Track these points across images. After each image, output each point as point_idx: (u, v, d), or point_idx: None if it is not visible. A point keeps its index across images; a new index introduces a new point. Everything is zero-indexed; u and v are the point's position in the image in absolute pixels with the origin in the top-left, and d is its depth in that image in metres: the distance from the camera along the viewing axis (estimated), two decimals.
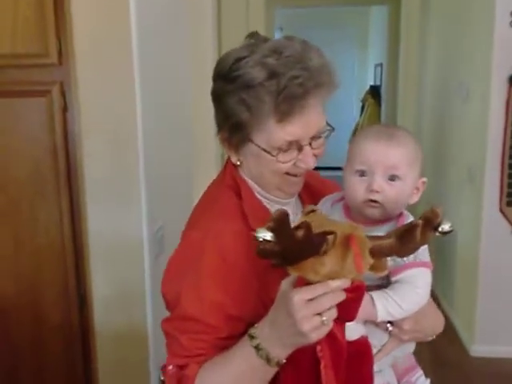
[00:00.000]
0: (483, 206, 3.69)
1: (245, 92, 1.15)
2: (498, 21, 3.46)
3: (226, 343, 1.17)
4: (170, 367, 1.20)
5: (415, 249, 1.03)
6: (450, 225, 1.00)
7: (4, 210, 2.28)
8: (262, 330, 1.09)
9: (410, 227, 0.99)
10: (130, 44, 2.14)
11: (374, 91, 8.20)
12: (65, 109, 2.19)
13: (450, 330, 4.00)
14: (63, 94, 2.17)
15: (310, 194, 1.39)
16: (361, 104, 8.64)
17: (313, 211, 1.08)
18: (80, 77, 2.17)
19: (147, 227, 2.31)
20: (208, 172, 2.64)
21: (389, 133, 1.20)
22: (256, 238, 0.89)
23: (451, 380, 3.45)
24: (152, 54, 2.37)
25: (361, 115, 8.46)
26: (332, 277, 0.98)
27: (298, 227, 0.93)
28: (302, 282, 1.01)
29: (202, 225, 1.24)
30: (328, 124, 1.24)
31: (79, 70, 2.16)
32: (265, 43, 1.18)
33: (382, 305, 1.11)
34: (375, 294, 1.12)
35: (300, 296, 0.99)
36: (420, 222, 0.99)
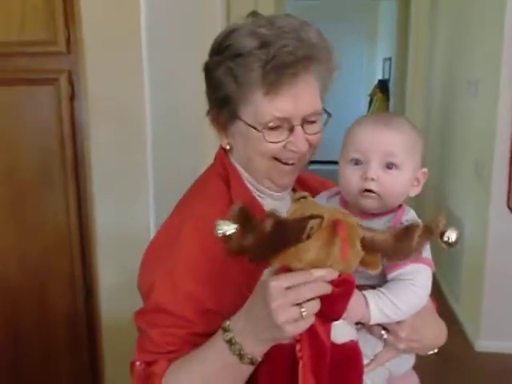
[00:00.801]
0: (490, 202, 3.67)
1: (233, 61, 1.09)
2: (508, 15, 3.43)
3: (202, 340, 1.06)
4: (138, 363, 1.12)
5: (409, 252, 0.95)
6: (456, 233, 0.94)
7: (11, 199, 2.28)
8: (237, 323, 0.99)
9: (409, 227, 0.94)
10: (138, 33, 2.13)
11: (383, 85, 8.16)
12: (72, 97, 2.19)
13: (455, 325, 3.98)
14: (71, 83, 2.17)
15: (307, 191, 1.33)
16: (369, 98, 8.60)
17: (303, 197, 1.01)
18: (88, 65, 2.16)
19: (154, 217, 2.30)
20: None
21: (385, 119, 1.13)
22: (218, 234, 0.83)
23: (456, 375, 3.44)
24: (161, 43, 2.36)
25: (369, 109, 8.42)
26: (317, 266, 0.89)
27: (264, 218, 0.86)
28: (285, 270, 0.92)
29: (183, 210, 1.19)
30: (325, 110, 1.17)
31: (87, 58, 2.16)
32: (262, 17, 1.14)
33: (376, 304, 1.02)
34: (368, 293, 1.03)
35: (277, 283, 0.90)
36: (420, 224, 0.94)
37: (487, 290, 3.76)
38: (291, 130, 1.12)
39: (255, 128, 1.11)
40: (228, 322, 1.00)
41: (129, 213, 2.28)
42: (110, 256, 2.32)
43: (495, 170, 3.62)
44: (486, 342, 3.76)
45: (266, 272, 0.96)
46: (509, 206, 3.63)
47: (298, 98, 1.10)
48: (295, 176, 1.23)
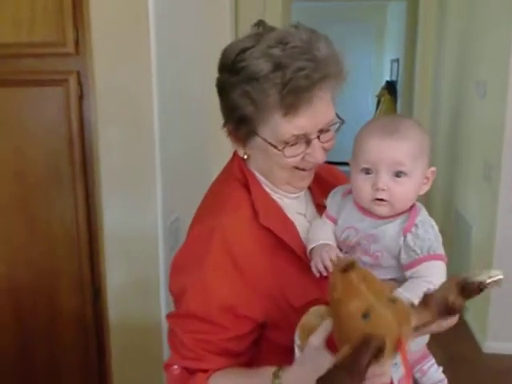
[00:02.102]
0: (498, 203, 3.66)
1: (249, 85, 1.10)
2: None
3: (233, 344, 1.14)
4: (175, 367, 1.16)
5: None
6: (498, 273, 0.95)
7: (20, 199, 2.29)
8: (288, 376, 1.04)
9: (451, 307, 0.95)
10: (147, 34, 2.13)
11: (390, 87, 8.16)
12: (81, 98, 2.19)
13: (462, 327, 3.97)
14: (80, 84, 2.18)
15: (321, 186, 1.35)
16: (376, 99, 8.59)
17: (350, 267, 0.96)
18: (97, 66, 2.17)
19: (162, 218, 2.30)
20: (225, 163, 2.63)
21: (391, 127, 1.15)
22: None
23: (464, 376, 3.43)
24: (170, 44, 2.37)
25: (376, 110, 8.41)
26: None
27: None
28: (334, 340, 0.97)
29: (210, 219, 1.20)
30: (338, 116, 1.19)
31: (96, 59, 2.16)
32: (271, 33, 1.13)
33: None
34: None
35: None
36: (451, 300, 0.94)
37: (494, 291, 3.73)
38: (308, 142, 1.15)
39: (275, 147, 1.15)
40: (280, 372, 1.05)
41: (137, 213, 2.28)
42: (119, 256, 2.33)
43: (503, 171, 3.61)
44: (494, 343, 3.75)
45: (315, 339, 0.99)
46: None
47: (315, 115, 1.12)
48: (312, 177, 1.27)
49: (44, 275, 2.35)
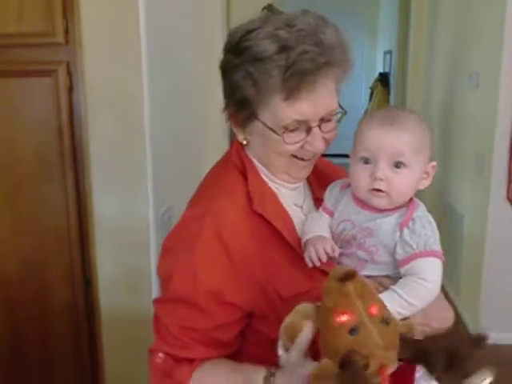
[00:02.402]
0: (490, 194, 3.67)
1: (252, 65, 1.08)
2: (509, 8, 3.41)
3: (219, 333, 1.13)
4: (160, 355, 1.15)
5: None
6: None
7: (9, 192, 2.28)
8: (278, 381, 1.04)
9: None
10: (137, 23, 2.12)
11: (383, 78, 8.15)
12: (71, 89, 2.18)
13: (455, 317, 3.98)
14: (69, 74, 2.16)
15: (320, 180, 1.33)
16: (370, 91, 8.58)
17: (349, 277, 0.92)
18: (86, 57, 2.15)
19: (154, 209, 2.30)
20: (217, 152, 2.61)
21: (393, 117, 1.13)
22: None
23: None
24: (160, 34, 2.35)
25: (369, 102, 8.41)
26: None
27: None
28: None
29: (203, 203, 1.19)
30: (341, 106, 1.18)
31: (86, 49, 2.15)
32: (278, 16, 1.12)
33: (392, 307, 1.02)
34: (384, 296, 1.03)
35: None
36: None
37: (487, 282, 3.76)
38: (308, 130, 1.13)
39: (274, 131, 1.13)
40: (272, 377, 1.04)
41: (128, 203, 2.28)
42: (110, 246, 2.32)
43: (495, 163, 3.61)
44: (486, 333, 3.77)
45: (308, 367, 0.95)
46: (509, 199, 3.63)
47: (317, 101, 1.10)
48: (311, 168, 1.25)
49: (34, 266, 2.34)
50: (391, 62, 7.90)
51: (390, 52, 8.07)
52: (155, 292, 2.34)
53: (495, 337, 3.71)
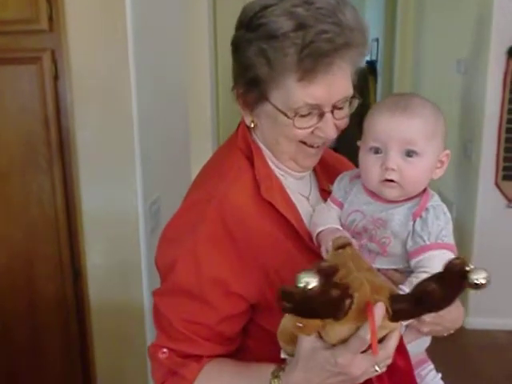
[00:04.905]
0: (479, 180, 3.68)
1: (266, 42, 1.03)
2: None
3: (224, 327, 1.09)
4: (164, 350, 1.10)
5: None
6: (484, 276, 0.89)
7: None
8: (290, 376, 1.00)
9: (425, 292, 0.87)
10: (123, 9, 2.07)
11: (371, 66, 8.14)
12: (56, 77, 2.13)
13: None
14: (54, 62, 2.12)
15: (327, 172, 1.30)
16: None
17: (345, 246, 0.95)
18: (72, 44, 2.11)
19: (142, 200, 2.27)
20: (205, 142, 2.59)
21: (403, 104, 1.08)
22: (297, 282, 0.79)
23: (446, 352, 3.45)
24: (146, 21, 2.32)
25: None
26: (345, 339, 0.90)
27: (335, 285, 0.83)
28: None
29: (208, 187, 1.14)
30: (355, 94, 1.12)
31: (71, 36, 2.10)
32: None
33: None
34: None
35: (345, 359, 0.91)
36: (433, 287, 0.87)
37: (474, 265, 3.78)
38: (321, 115, 1.09)
39: (285, 114, 1.08)
40: (280, 372, 1.02)
41: (116, 193, 2.25)
42: (98, 237, 2.30)
43: (484, 149, 3.63)
44: (475, 319, 3.79)
45: (308, 341, 0.95)
46: (497, 184, 3.64)
47: (332, 85, 1.05)
48: (319, 157, 1.21)
49: (22, 258, 2.31)
50: (378, 49, 7.88)
51: (376, 40, 8.05)
52: (145, 282, 2.32)
53: (484, 322, 3.77)
